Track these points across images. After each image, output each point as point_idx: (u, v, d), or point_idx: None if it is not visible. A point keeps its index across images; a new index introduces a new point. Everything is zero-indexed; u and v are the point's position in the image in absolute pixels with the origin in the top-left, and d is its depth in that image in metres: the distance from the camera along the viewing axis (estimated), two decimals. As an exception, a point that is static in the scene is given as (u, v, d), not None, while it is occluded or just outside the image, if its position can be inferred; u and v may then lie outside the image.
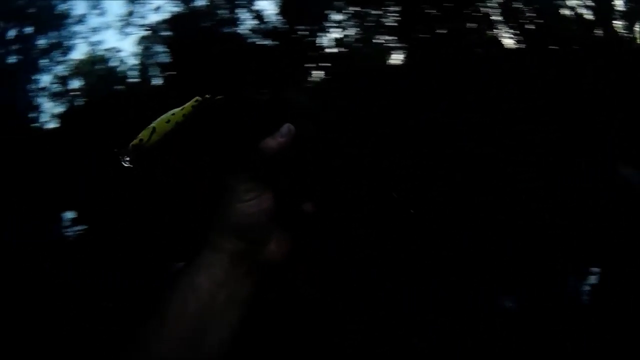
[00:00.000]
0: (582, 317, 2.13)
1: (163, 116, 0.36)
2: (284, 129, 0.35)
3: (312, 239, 0.39)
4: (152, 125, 0.36)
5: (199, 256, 0.36)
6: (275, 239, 0.37)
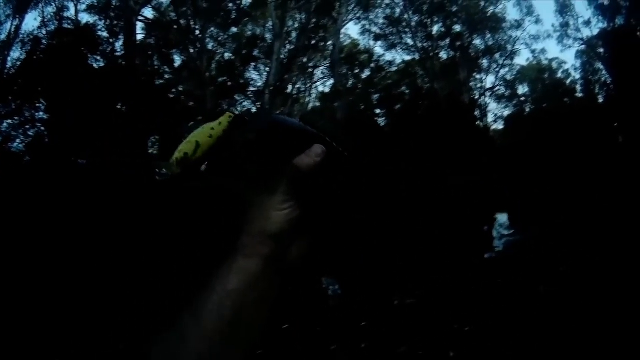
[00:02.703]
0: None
1: (201, 131, 0.39)
2: (316, 149, 0.39)
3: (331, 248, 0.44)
4: (194, 139, 0.38)
5: (231, 260, 0.39)
6: (297, 244, 0.41)
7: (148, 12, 12.88)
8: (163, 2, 13.53)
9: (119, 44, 12.82)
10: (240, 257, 0.39)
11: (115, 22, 13.39)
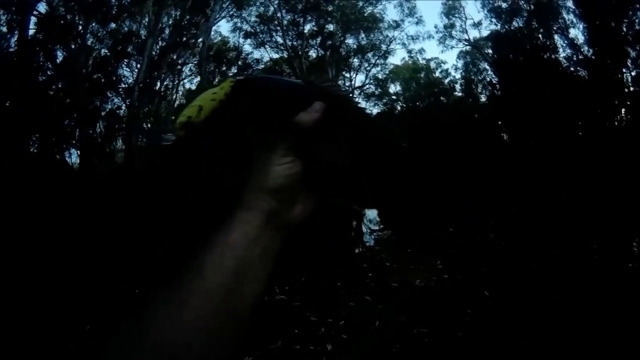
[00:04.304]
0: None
1: (204, 95, 0.40)
2: (316, 105, 0.40)
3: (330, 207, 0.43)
4: (197, 103, 0.40)
5: (233, 215, 0.39)
6: (301, 201, 0.42)
7: (42, 7, 12.68)
8: (55, -5, 13.28)
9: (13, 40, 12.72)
10: (241, 210, 0.39)
11: (14, 17, 13.21)
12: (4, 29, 12.74)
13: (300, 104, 0.40)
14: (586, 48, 12.91)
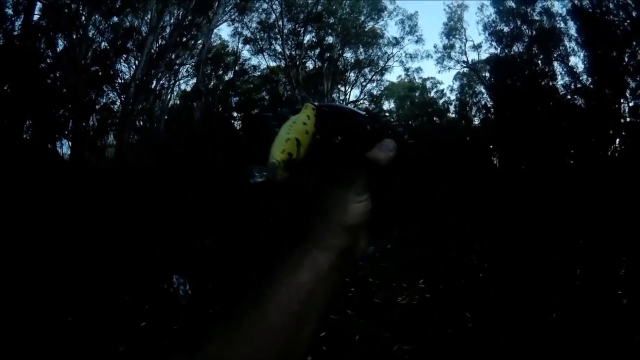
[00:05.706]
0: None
1: (295, 127, 0.38)
2: (389, 144, 0.40)
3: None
4: (292, 136, 0.37)
5: (304, 252, 0.38)
6: (363, 237, 0.42)
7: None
8: (61, -18, 13.29)
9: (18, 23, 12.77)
10: (314, 250, 0.38)
11: (21, 0, 13.22)
12: (10, 12, 12.79)
13: (373, 139, 0.40)
14: (585, 77, 12.91)
